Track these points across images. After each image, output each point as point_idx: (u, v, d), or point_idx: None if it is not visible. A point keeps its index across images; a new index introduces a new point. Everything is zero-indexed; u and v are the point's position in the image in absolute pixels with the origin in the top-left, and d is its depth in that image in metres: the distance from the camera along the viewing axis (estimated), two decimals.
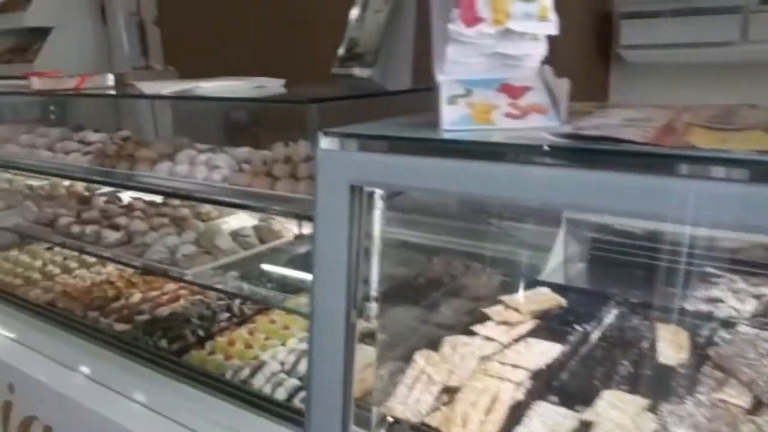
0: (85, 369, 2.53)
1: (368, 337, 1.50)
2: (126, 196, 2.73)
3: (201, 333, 2.61)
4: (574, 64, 2.95)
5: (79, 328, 2.72)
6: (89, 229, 2.32)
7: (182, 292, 3.01)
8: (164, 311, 2.78)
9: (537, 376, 1.76)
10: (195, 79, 2.03)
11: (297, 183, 1.69)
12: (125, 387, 2.41)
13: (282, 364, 2.31)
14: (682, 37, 3.47)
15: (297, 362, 2.29)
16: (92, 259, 3.50)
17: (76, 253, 3.57)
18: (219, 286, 2.09)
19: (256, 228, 2.22)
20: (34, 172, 2.73)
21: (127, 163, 2.15)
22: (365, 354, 1.54)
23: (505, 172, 1.08)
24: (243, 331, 2.62)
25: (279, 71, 2.27)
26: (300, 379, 2.24)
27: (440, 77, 1.36)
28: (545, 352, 1.89)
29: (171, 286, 3.10)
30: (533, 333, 2.02)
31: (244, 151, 2.06)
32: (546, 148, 1.04)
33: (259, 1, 4.15)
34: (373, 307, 1.39)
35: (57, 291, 3.07)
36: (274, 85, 2.03)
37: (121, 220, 2.37)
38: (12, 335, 2.86)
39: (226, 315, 2.74)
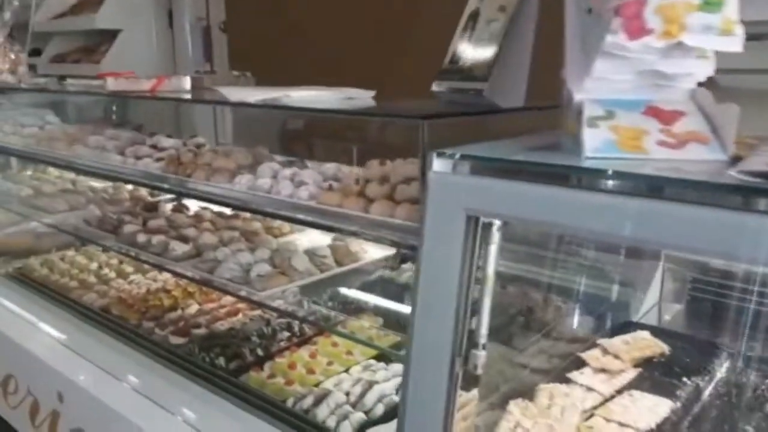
0: (136, 382, 2.41)
1: (468, 382, 1.31)
2: (194, 205, 2.60)
3: (260, 352, 2.46)
4: None
5: (132, 338, 2.61)
6: (156, 239, 2.19)
7: (240, 305, 2.88)
8: (222, 326, 2.64)
9: None
10: (280, 87, 1.89)
11: (395, 207, 1.51)
12: (177, 405, 2.27)
13: (347, 394, 2.13)
14: None
15: (363, 394, 2.11)
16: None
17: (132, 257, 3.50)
18: (284, 307, 1.92)
19: (332, 248, 2.06)
20: (103, 177, 2.63)
21: (204, 173, 2.01)
22: (462, 401, 1.35)
23: (683, 215, 0.88)
24: (304, 353, 2.46)
25: (353, 81, 2.12)
26: (366, 413, 2.07)
27: (579, 95, 1.17)
28: (653, 408, 1.67)
29: (229, 298, 2.96)
30: (636, 384, 1.80)
31: (330, 167, 1.90)
32: (738, 185, 0.84)
33: (334, 7, 4.02)
34: (481, 355, 1.20)
35: (112, 296, 2.96)
36: (363, 97, 1.87)
37: (190, 232, 2.24)
38: (64, 340, 2.77)
39: (286, 334, 2.59)
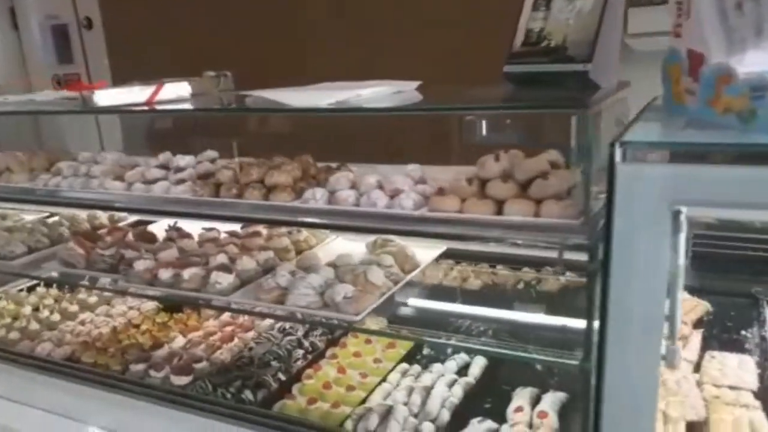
0: None
1: None
2: (196, 228, 2.28)
3: (281, 377, 2.26)
4: None
5: (123, 386, 2.28)
6: (188, 273, 1.87)
7: (228, 328, 2.63)
8: (224, 355, 2.39)
9: (761, 395, 1.60)
10: (337, 85, 1.69)
11: (534, 205, 1.39)
12: None
13: (405, 404, 2.02)
14: None
15: (424, 402, 2.01)
16: (93, 299, 3.02)
17: (64, 294, 3.08)
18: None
19: (394, 255, 1.90)
20: (106, 209, 2.22)
21: (257, 192, 1.75)
22: None
23: None
24: (330, 370, 2.29)
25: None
26: (433, 421, 1.96)
27: (744, 69, 1.15)
28: (742, 366, 1.73)
29: (212, 322, 2.70)
30: (707, 345, 1.86)
31: (414, 169, 1.71)
32: None
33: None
34: (679, 350, 1.16)
35: (73, 343, 2.59)
36: (409, 89, 1.72)
37: (221, 259, 1.95)
38: (40, 405, 2.38)
39: (300, 351, 2.40)
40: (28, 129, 3.75)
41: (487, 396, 2.10)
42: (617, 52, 1.55)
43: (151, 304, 2.88)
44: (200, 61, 2.67)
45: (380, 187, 1.62)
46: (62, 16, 5.45)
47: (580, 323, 1.35)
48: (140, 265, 1.94)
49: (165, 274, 1.89)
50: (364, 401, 2.10)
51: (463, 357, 2.29)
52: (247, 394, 2.14)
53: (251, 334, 2.57)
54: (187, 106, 1.95)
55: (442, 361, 2.28)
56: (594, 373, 1.26)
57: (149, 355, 2.41)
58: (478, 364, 2.23)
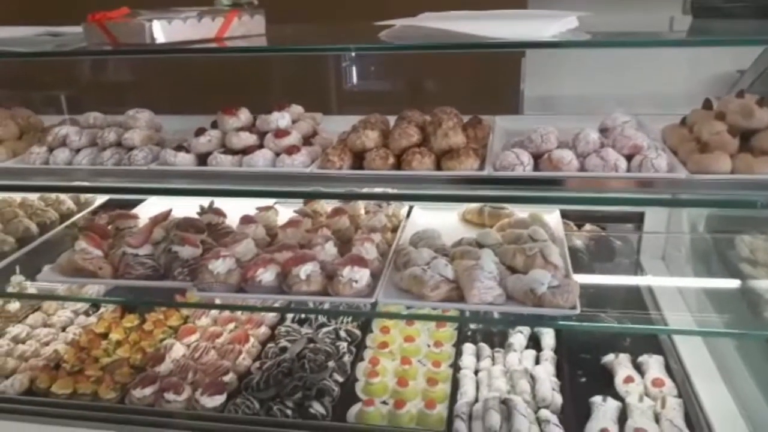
0: None
1: None
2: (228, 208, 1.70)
3: (339, 378, 1.89)
4: None
5: (136, 419, 1.78)
6: (305, 271, 1.30)
7: (230, 325, 2.16)
8: (247, 361, 1.96)
9: None
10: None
11: None
12: None
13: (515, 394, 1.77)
14: None
15: (533, 389, 1.78)
16: (13, 306, 2.32)
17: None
18: None
19: (541, 225, 1.56)
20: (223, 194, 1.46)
21: (428, 160, 1.28)
22: None
23: None
24: (390, 363, 1.96)
25: None
26: (547, 407, 1.75)
27: None
28: None
29: (205, 320, 2.20)
30: None
31: (624, 120, 1.32)
32: None
33: None
34: None
35: (28, 369, 1.95)
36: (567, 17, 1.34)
37: (330, 248, 1.44)
38: None
39: (344, 344, 2.03)
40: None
41: (578, 369, 1.93)
42: None
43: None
44: None
45: (602, 144, 1.28)
46: None
47: None
48: (220, 266, 1.40)
49: (266, 276, 1.39)
50: (453, 395, 1.82)
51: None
52: (317, 407, 1.75)
53: (263, 329, 2.13)
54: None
55: (504, 335, 2.07)
56: None
57: (153, 374, 1.88)
58: (549, 333, 2.05)
